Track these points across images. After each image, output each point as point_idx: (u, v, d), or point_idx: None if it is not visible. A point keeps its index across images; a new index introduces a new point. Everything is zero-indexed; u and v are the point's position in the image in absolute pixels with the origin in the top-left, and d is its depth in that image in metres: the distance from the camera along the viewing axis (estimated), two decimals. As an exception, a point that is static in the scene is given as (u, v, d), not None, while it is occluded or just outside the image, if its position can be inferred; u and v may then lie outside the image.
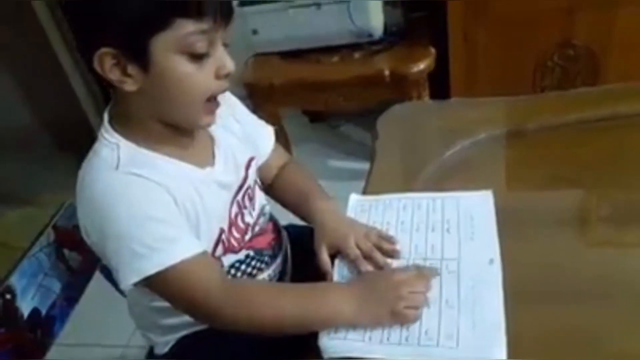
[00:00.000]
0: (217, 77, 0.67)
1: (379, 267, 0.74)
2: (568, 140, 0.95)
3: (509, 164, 0.96)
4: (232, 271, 0.81)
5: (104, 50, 0.62)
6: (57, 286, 1.63)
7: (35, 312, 1.53)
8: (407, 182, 0.91)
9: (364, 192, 0.90)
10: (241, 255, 0.81)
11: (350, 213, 0.86)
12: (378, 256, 0.75)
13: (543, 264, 0.73)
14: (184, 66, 0.64)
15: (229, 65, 0.67)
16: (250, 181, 0.83)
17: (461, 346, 0.63)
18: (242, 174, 0.82)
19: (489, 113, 1.05)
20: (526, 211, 0.82)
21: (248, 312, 0.67)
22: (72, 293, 1.67)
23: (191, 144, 0.75)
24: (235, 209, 0.80)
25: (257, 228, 0.84)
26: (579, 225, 0.81)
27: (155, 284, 0.67)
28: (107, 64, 0.63)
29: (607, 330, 0.63)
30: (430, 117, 1.12)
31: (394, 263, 0.75)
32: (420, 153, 0.98)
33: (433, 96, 1.65)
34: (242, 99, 0.90)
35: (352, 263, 0.76)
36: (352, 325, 0.67)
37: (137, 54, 0.62)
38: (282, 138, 1.84)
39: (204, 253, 0.69)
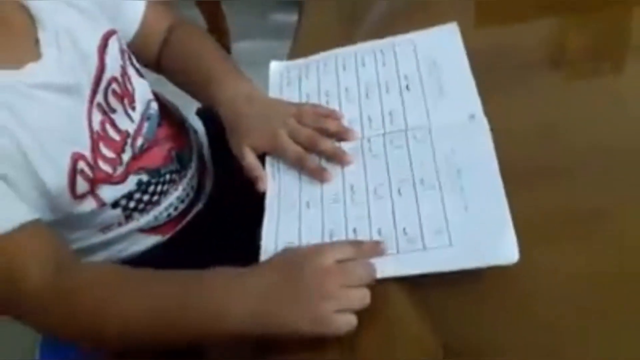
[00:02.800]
0: None
1: (333, 156, 0.55)
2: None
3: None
4: (120, 209, 0.59)
5: None
6: None
7: None
8: (347, 31, 0.68)
9: (290, 53, 0.68)
10: (129, 185, 0.59)
11: (274, 88, 0.64)
12: (324, 144, 0.55)
13: (533, 124, 0.54)
14: None
15: None
16: (113, 70, 0.57)
17: (456, 243, 0.46)
18: (96, 61, 0.56)
19: None
20: (508, 53, 0.61)
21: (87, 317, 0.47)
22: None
23: None
24: (97, 116, 0.55)
25: (140, 140, 0.60)
26: (579, 67, 0.61)
27: None
28: None
29: (616, 209, 0.47)
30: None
31: (347, 147, 0.55)
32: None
33: None
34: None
35: (292, 163, 0.56)
36: (243, 336, 0.45)
37: None
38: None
39: (30, 224, 0.47)
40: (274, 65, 0.66)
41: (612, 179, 0.49)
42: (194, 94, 0.65)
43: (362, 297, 0.45)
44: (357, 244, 0.48)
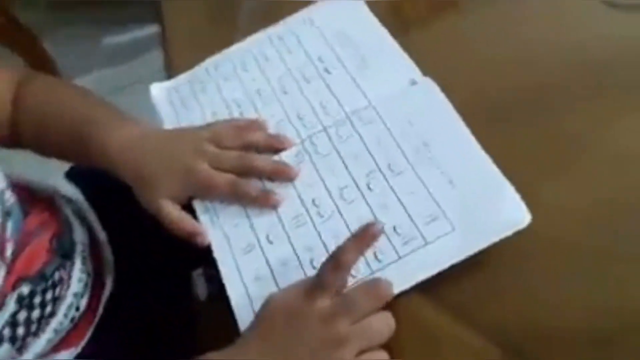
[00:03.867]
0: None
1: (275, 172, 0.44)
2: None
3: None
4: (6, 344, 0.43)
5: None
6: None
7: None
8: (223, 29, 0.57)
9: (168, 72, 0.56)
10: (9, 308, 0.43)
11: (167, 116, 0.52)
12: (259, 161, 0.44)
13: (480, 69, 0.48)
14: None
15: None
16: None
17: (458, 225, 0.39)
18: None
19: None
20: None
21: None
22: None
23: None
24: None
25: (9, 246, 0.43)
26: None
27: None
28: None
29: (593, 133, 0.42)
30: None
31: (287, 157, 0.46)
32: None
33: None
34: None
35: (228, 197, 0.44)
36: None
37: None
38: (23, 36, 1.28)
39: None
40: (156, 89, 0.54)
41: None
42: (71, 156, 0.52)
43: (384, 324, 0.36)
44: (340, 253, 0.37)
